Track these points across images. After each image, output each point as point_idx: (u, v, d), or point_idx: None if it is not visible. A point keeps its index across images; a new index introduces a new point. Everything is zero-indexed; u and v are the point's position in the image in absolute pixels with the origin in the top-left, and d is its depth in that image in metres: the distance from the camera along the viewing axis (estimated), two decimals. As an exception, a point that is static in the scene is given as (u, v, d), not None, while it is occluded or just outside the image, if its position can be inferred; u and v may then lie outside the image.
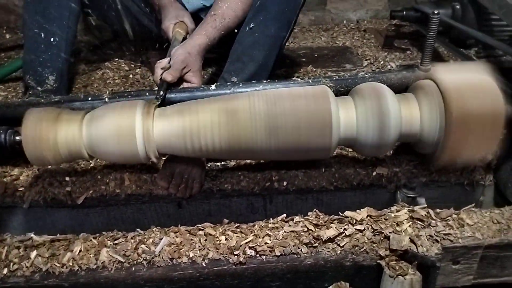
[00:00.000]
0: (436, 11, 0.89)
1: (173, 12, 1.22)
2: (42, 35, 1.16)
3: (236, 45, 1.08)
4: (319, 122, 0.79)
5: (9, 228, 0.99)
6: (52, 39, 1.17)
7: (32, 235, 0.84)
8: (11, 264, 0.78)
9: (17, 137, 0.83)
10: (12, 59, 1.71)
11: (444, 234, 0.79)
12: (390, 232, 0.78)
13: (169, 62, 1.00)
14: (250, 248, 0.79)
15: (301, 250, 0.79)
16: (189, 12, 1.30)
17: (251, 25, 1.05)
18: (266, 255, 0.78)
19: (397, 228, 0.79)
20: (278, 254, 0.78)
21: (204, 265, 0.78)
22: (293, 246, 0.79)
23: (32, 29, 1.16)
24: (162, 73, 0.97)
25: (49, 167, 1.00)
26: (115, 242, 0.81)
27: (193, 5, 1.32)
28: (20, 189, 0.97)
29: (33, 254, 0.79)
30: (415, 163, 0.99)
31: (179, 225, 0.85)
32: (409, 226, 0.80)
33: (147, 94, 0.92)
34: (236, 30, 1.12)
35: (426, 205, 0.87)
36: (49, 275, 0.77)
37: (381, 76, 0.93)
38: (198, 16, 1.32)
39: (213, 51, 1.14)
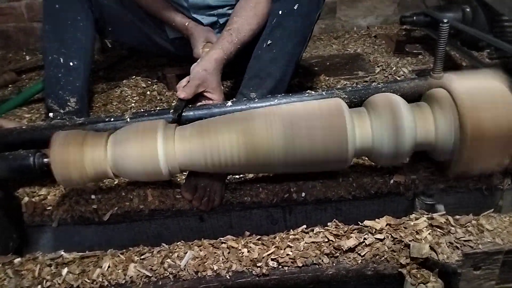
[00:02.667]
0: (445, 20, 0.90)
1: (201, 37, 1.26)
2: (61, 60, 1.21)
3: (253, 61, 1.10)
4: (335, 135, 0.81)
5: (39, 246, 1.03)
6: (71, 63, 1.21)
7: (62, 252, 0.87)
8: (44, 281, 0.81)
9: (45, 160, 0.86)
10: (32, 80, 1.78)
11: (464, 241, 0.80)
12: (410, 241, 0.79)
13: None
14: (272, 259, 0.81)
15: (322, 261, 0.80)
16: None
17: (268, 42, 1.08)
18: (288, 266, 0.80)
19: (417, 236, 0.80)
20: (300, 265, 0.80)
21: (228, 277, 0.80)
22: (315, 256, 0.80)
23: (51, 54, 1.21)
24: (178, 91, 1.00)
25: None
26: (142, 257, 0.84)
27: (208, 21, 1.36)
28: (48, 208, 1.00)
29: (65, 271, 0.82)
30: (432, 169, 1.00)
31: (202, 239, 0.87)
32: (429, 233, 0.80)
33: (167, 113, 0.95)
34: (251, 44, 1.15)
35: (445, 212, 0.88)
36: (80, 291, 0.80)
37: (393, 86, 0.95)
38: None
39: (229, 65, 1.16)
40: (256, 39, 1.13)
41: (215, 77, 1.05)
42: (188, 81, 1.02)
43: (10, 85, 1.73)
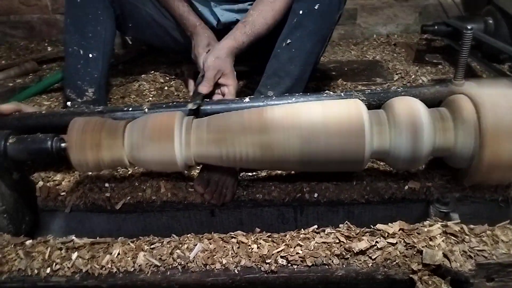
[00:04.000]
0: (469, 27, 0.90)
1: (205, 40, 1.25)
2: (81, 52, 1.23)
3: (272, 60, 1.11)
4: (352, 135, 0.80)
5: (50, 230, 1.04)
6: (90, 55, 1.23)
7: (73, 237, 0.88)
8: (54, 264, 0.82)
9: (63, 144, 0.87)
10: (53, 70, 1.80)
11: (478, 250, 0.78)
12: (423, 247, 0.78)
13: (202, 76, 1.03)
14: (281, 257, 0.80)
15: (332, 261, 0.79)
16: (222, 23, 1.34)
17: (288, 41, 1.08)
18: (298, 265, 0.79)
19: (430, 242, 0.79)
20: (310, 264, 0.79)
21: (237, 272, 0.79)
22: (325, 257, 0.80)
23: (72, 46, 1.23)
24: (197, 86, 1.00)
25: (90, 173, 1.05)
26: (152, 246, 0.84)
27: (227, 18, 1.36)
28: (62, 193, 1.01)
29: (74, 255, 0.83)
30: (448, 177, 0.99)
31: (212, 232, 0.87)
32: (443, 241, 0.79)
33: (185, 105, 0.96)
34: (268, 40, 1.14)
35: (459, 221, 0.86)
36: (89, 276, 0.80)
37: (414, 91, 0.94)
38: (230, 29, 1.36)
39: (244, 64, 1.16)
40: (273, 34, 1.13)
41: (228, 63, 1.06)
42: (203, 75, 1.03)
43: (31, 74, 1.76)
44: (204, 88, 0.98)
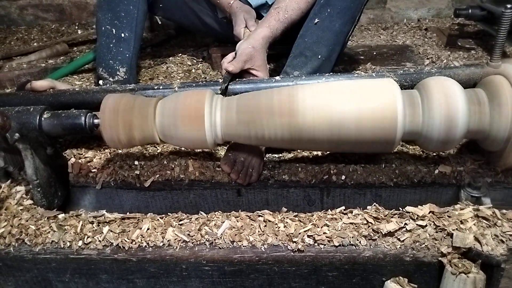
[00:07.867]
0: (509, 5, 0.86)
1: (242, 18, 1.24)
2: (113, 31, 1.24)
3: (299, 40, 1.09)
4: (384, 114, 0.79)
5: (81, 206, 1.07)
6: (122, 34, 1.24)
7: (104, 212, 0.90)
8: (86, 237, 0.84)
9: (96, 120, 0.89)
10: (83, 52, 1.84)
11: (511, 235, 0.76)
12: (453, 230, 0.77)
13: (235, 56, 1.03)
14: (308, 236, 0.80)
15: (359, 242, 0.79)
16: (252, 6, 1.33)
17: (316, 21, 1.06)
18: (325, 245, 0.79)
19: (461, 225, 0.78)
20: (337, 244, 0.79)
21: (263, 250, 0.80)
22: (352, 237, 0.79)
23: (105, 25, 1.24)
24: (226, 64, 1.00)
25: (120, 151, 1.07)
26: (180, 222, 0.85)
27: (256, 2, 1.35)
28: (93, 170, 1.04)
29: (106, 229, 0.85)
30: (480, 162, 0.96)
31: (239, 211, 0.88)
32: (474, 224, 0.78)
33: (214, 85, 0.96)
34: (300, 23, 1.13)
35: (491, 205, 0.84)
36: (119, 249, 0.83)
37: (447, 72, 0.91)
38: (258, 13, 1.35)
39: (272, 47, 1.15)
40: (305, 19, 1.11)
41: (261, 55, 1.05)
42: (234, 57, 1.02)
43: (62, 56, 1.79)
44: (230, 66, 0.97)
